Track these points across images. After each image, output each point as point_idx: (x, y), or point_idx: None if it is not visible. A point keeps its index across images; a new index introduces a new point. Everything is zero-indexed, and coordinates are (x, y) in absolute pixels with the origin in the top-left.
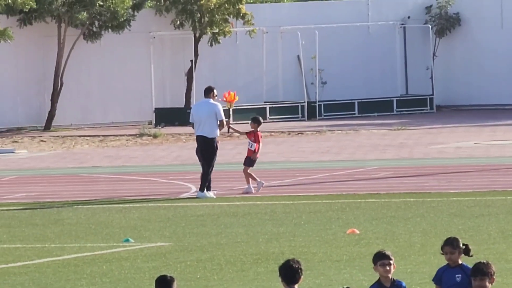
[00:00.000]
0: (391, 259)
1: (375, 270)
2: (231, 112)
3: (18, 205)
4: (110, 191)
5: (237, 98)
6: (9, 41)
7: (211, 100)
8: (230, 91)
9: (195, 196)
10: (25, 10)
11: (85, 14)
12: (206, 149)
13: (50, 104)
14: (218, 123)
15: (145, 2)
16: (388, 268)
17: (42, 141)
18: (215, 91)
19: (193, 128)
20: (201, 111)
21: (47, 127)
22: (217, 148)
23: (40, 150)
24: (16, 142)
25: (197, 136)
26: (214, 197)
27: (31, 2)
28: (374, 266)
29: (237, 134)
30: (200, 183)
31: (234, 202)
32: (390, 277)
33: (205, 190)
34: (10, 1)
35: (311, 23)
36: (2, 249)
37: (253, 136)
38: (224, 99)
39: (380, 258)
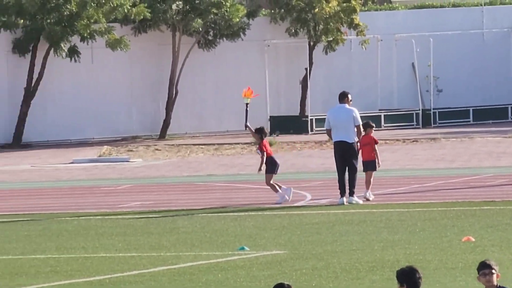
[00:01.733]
0: (492, 269)
1: (478, 280)
2: (248, 108)
3: (134, 214)
4: (225, 200)
5: (252, 94)
6: (124, 49)
7: (347, 105)
8: (249, 87)
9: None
10: (138, 19)
11: (200, 21)
12: (349, 154)
13: (165, 113)
14: (355, 128)
15: (259, 10)
16: (488, 278)
17: (157, 149)
18: (349, 96)
19: (327, 134)
20: (338, 116)
21: (162, 135)
22: (358, 151)
23: (155, 158)
24: (131, 151)
25: (336, 141)
26: (361, 202)
27: (146, 12)
28: (477, 276)
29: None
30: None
31: (349, 210)
32: (494, 285)
33: (353, 195)
34: (126, 11)
35: (426, 30)
36: (117, 258)
37: (260, 146)
38: (243, 95)
39: (482, 268)
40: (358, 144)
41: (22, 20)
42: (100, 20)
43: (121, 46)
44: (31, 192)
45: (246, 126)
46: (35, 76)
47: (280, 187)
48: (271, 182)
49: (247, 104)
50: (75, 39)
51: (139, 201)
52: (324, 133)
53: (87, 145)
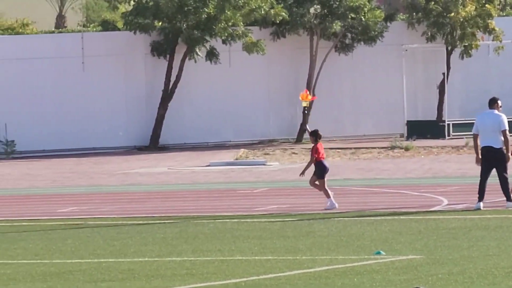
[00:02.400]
0: None
1: None
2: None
3: (270, 217)
4: (361, 204)
5: (310, 96)
6: (261, 53)
7: (496, 111)
8: (306, 90)
9: (479, 208)
10: (277, 21)
11: (338, 25)
12: (496, 159)
13: (302, 117)
14: (501, 133)
15: (397, 14)
16: None
17: (293, 153)
18: (499, 102)
19: (473, 139)
20: (485, 122)
21: (299, 139)
22: (508, 158)
23: (291, 162)
24: (267, 154)
25: (483, 147)
26: None
27: (283, 13)
28: None
29: None
30: (478, 193)
31: (486, 215)
32: None
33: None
34: (263, 12)
35: None
36: (253, 261)
37: (312, 150)
38: (300, 98)
39: None
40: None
41: (160, 23)
42: (238, 23)
43: (257, 49)
44: (168, 194)
45: (305, 129)
46: (173, 78)
47: (329, 196)
48: (325, 187)
49: (305, 107)
50: (213, 42)
51: (276, 205)
52: (461, 138)
53: (223, 148)
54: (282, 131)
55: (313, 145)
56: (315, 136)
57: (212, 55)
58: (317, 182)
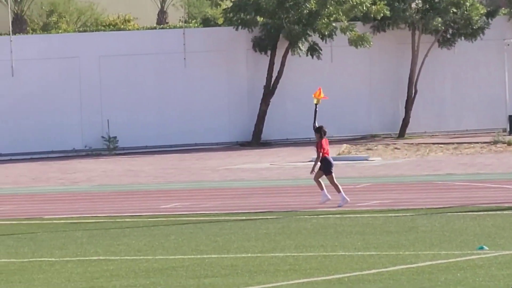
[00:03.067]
0: None
1: None
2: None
3: (372, 212)
4: (464, 199)
5: (322, 95)
6: (367, 45)
7: None
8: (320, 88)
9: None
10: (378, 17)
11: (439, 20)
12: None
13: (404, 112)
14: None
15: (499, 10)
16: None
17: (396, 148)
18: None
19: None
20: None
21: (401, 134)
22: None
23: (394, 157)
24: (370, 149)
25: None
26: None
27: (385, 10)
28: None
29: None
30: None
31: None
32: None
33: None
34: (365, 8)
35: None
36: (356, 256)
37: (317, 146)
38: (313, 96)
39: None
40: None
41: (261, 19)
42: (341, 18)
43: (363, 43)
44: (270, 190)
45: (314, 126)
46: (274, 74)
47: (339, 191)
48: (335, 181)
49: (316, 105)
50: (314, 37)
51: (378, 200)
52: None
53: None
54: (384, 126)
55: (317, 141)
56: (320, 132)
57: (314, 50)
58: (320, 180)
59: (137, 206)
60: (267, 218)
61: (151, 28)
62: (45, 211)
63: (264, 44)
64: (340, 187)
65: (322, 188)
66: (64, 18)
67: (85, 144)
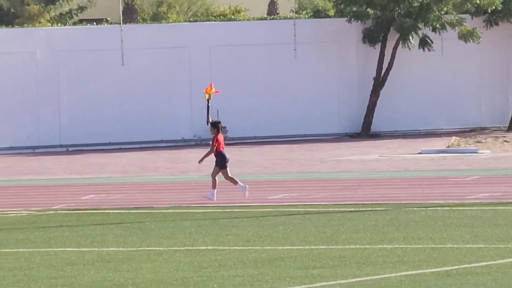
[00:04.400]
0: None
1: None
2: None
3: (481, 205)
4: None
5: (213, 90)
6: (476, 41)
7: None
8: (211, 84)
9: None
10: (489, 10)
11: None
12: None
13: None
14: None
15: None
16: None
17: (505, 141)
18: None
19: None
20: None
21: (511, 127)
22: None
23: (503, 150)
24: (479, 142)
25: None
26: None
27: (497, 2)
28: None
29: None
30: None
31: None
32: None
33: None
34: (478, 2)
35: None
36: (465, 249)
37: (212, 140)
38: (204, 91)
39: None
40: None
41: (372, 11)
42: (451, 11)
43: (472, 38)
44: (379, 182)
45: (208, 121)
46: (385, 66)
47: (237, 182)
48: (229, 176)
49: (208, 100)
50: (425, 30)
51: (487, 193)
52: None
53: (435, 136)
54: (494, 119)
55: (214, 136)
56: (217, 127)
57: (425, 43)
58: (216, 178)
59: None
60: (375, 210)
61: (262, 19)
62: (154, 201)
63: (374, 36)
64: (236, 179)
65: (214, 187)
66: (174, 8)
67: (194, 133)
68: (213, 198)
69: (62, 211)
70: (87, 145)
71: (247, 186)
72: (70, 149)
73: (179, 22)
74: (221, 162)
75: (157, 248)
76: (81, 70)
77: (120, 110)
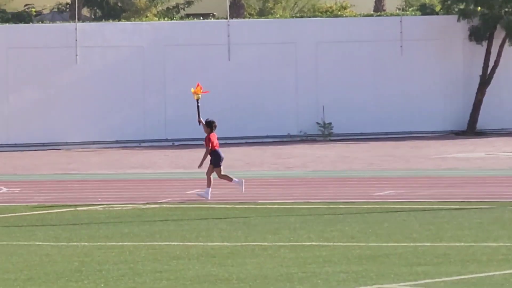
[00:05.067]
0: None
1: None
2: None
3: None
4: None
5: (201, 90)
6: None
7: None
8: (198, 83)
9: None
10: None
11: None
12: None
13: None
14: None
15: None
16: None
17: None
18: None
19: None
20: None
21: None
22: None
23: None
24: None
25: None
26: None
27: None
28: None
29: None
30: None
31: None
32: None
33: None
34: None
35: None
36: None
37: (205, 140)
38: (192, 91)
39: None
40: None
41: (479, 8)
42: None
43: None
44: (484, 179)
45: (199, 121)
46: (491, 64)
47: (231, 179)
48: (222, 174)
49: (197, 100)
50: None
51: None
52: None
53: None
54: None
55: (206, 134)
56: (211, 126)
57: None
58: (211, 176)
59: (351, 193)
60: (480, 208)
61: (368, 15)
62: (259, 196)
63: (480, 34)
64: (230, 176)
65: (209, 186)
66: (280, 4)
67: (300, 129)
68: (208, 197)
69: (168, 205)
70: (193, 139)
71: (243, 180)
72: (176, 143)
73: (286, 17)
74: (216, 161)
75: (262, 243)
76: (187, 64)
77: (227, 105)
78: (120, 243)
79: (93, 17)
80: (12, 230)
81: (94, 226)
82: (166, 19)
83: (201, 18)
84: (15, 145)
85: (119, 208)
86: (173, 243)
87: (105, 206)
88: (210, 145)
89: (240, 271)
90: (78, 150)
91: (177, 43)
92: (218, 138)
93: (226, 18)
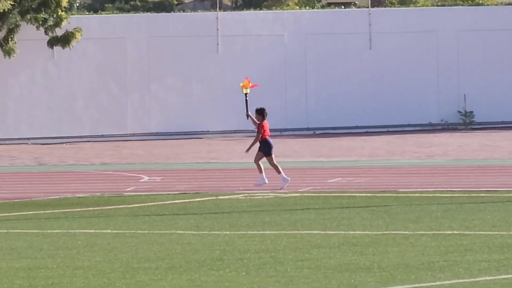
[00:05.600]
0: None
1: None
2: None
3: None
4: None
5: (249, 84)
6: None
7: None
8: (247, 78)
9: None
10: None
11: None
12: None
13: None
14: None
15: None
16: None
17: None
18: None
19: None
20: None
21: None
22: None
23: None
24: None
25: None
26: None
27: None
28: None
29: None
30: None
31: None
32: None
33: None
34: None
35: None
36: None
37: (258, 127)
38: (241, 85)
39: None
40: None
41: None
42: None
43: None
44: None
45: (247, 115)
46: None
47: (280, 172)
48: (274, 163)
49: (246, 94)
50: None
51: None
52: None
53: None
54: None
55: (259, 123)
56: (262, 114)
57: None
58: (260, 162)
59: (493, 181)
60: None
61: (510, 4)
62: (400, 184)
63: None
64: (280, 168)
65: (261, 171)
66: None
67: (441, 118)
68: (265, 181)
69: (309, 194)
70: (334, 128)
71: (289, 179)
72: (317, 132)
73: (427, 6)
74: (266, 149)
75: (403, 232)
76: (328, 53)
77: (368, 94)
78: (262, 232)
79: (234, 6)
80: (154, 219)
81: (235, 214)
82: (307, 8)
83: (342, 7)
84: (157, 134)
85: (260, 197)
86: (314, 232)
87: (246, 195)
88: (264, 133)
89: (381, 259)
90: (219, 139)
91: (318, 32)
92: (359, 127)
93: (367, 7)
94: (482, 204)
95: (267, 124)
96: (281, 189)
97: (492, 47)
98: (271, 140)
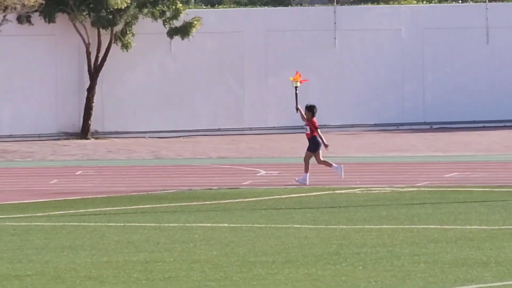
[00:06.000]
0: None
1: None
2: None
3: None
4: None
5: (299, 78)
6: None
7: None
8: (297, 71)
9: None
10: None
11: None
12: None
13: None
14: None
15: None
16: None
17: None
18: None
19: None
20: None
21: None
22: None
23: None
24: None
25: None
26: None
27: None
28: None
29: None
30: None
31: None
32: None
33: None
34: None
35: None
36: None
37: (308, 124)
38: (291, 79)
39: None
40: None
41: None
42: None
43: None
44: None
45: (297, 109)
46: None
47: (331, 165)
48: (321, 159)
49: (296, 87)
50: None
51: None
52: None
53: None
54: None
55: (309, 120)
56: (312, 111)
57: None
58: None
59: None
60: None
61: None
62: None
63: None
64: (330, 162)
65: (306, 171)
66: None
67: None
68: (306, 182)
69: (426, 188)
70: (451, 122)
71: (342, 166)
72: (434, 126)
73: None
74: (314, 146)
75: None
76: (445, 47)
77: (484, 88)
78: (378, 226)
79: (351, 0)
80: (270, 213)
81: (352, 209)
82: (424, 2)
83: (460, 1)
84: (273, 128)
85: (377, 191)
86: (430, 226)
87: (363, 189)
88: (314, 130)
89: (498, 254)
90: (337, 133)
91: (436, 27)
92: (477, 121)
93: (485, 2)
94: None
95: (316, 121)
96: (341, 178)
97: None
98: (318, 138)
